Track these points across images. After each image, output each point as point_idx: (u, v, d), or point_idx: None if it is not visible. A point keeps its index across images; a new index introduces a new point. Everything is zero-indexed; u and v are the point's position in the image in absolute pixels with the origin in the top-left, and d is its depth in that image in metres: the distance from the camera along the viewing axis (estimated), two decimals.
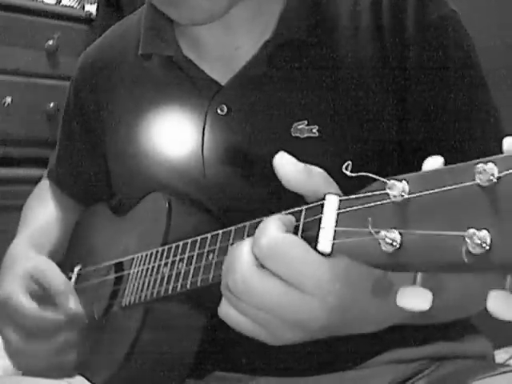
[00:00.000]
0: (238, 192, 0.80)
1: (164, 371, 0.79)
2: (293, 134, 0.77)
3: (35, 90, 1.99)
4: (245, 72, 0.79)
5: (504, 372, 0.72)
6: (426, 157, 0.74)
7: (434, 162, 0.47)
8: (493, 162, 0.39)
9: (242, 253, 0.55)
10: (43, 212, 1.01)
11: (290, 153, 0.76)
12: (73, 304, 0.82)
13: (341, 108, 0.76)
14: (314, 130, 0.76)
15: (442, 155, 0.73)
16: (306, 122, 0.76)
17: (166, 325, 0.78)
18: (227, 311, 0.58)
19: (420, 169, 0.74)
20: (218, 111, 0.80)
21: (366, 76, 0.75)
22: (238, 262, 0.55)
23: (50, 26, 2.00)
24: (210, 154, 0.80)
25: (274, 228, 0.54)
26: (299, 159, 0.75)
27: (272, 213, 0.60)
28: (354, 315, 0.59)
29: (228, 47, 0.81)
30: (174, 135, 0.84)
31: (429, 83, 0.74)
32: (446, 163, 0.72)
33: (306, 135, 0.76)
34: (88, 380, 0.83)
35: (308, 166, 0.58)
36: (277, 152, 0.76)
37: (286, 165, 0.57)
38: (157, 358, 0.78)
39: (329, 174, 0.74)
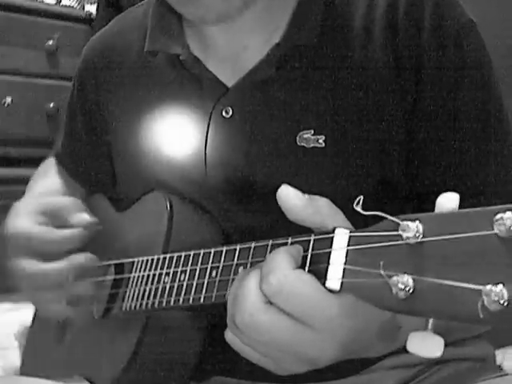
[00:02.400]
0: (239, 196, 0.78)
1: (167, 374, 0.79)
2: (298, 143, 0.75)
3: (35, 89, 1.99)
4: (252, 75, 0.77)
5: (505, 374, 0.71)
6: (436, 171, 0.74)
7: (448, 201, 0.45)
8: (511, 210, 0.38)
9: (250, 288, 0.54)
10: (49, 184, 0.99)
11: (294, 162, 0.75)
12: (86, 215, 0.80)
13: (349, 118, 0.74)
14: (321, 140, 0.74)
15: (454, 170, 0.73)
16: (312, 132, 0.75)
17: (168, 328, 0.77)
18: (234, 339, 0.57)
19: (426, 190, 0.74)
20: (223, 113, 0.78)
21: (377, 85, 0.74)
22: (245, 298, 0.54)
23: (50, 26, 2.00)
24: (212, 156, 0.79)
25: (283, 264, 0.53)
26: (304, 169, 0.75)
27: (271, 228, 0.59)
28: (362, 347, 0.59)
29: (236, 47, 0.79)
30: (177, 135, 0.82)
31: (442, 94, 0.73)
32: (457, 176, 0.73)
33: (311, 145, 0.74)
34: (89, 381, 0.82)
35: (312, 197, 0.57)
36: (281, 160, 0.76)
37: (290, 198, 0.56)
38: (159, 361, 0.78)
39: (332, 185, 0.73)
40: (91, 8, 2.05)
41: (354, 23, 0.75)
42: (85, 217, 0.80)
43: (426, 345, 0.44)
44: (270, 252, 0.59)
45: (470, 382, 0.72)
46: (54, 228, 0.79)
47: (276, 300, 0.53)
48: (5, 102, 1.91)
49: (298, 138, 0.75)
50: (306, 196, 0.56)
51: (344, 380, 0.78)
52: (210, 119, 0.79)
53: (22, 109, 1.96)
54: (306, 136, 0.75)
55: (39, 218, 0.80)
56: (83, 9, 2.07)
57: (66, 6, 2.05)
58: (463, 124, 0.73)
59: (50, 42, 1.98)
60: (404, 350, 0.74)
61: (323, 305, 0.52)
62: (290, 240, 0.58)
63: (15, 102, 1.93)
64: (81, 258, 0.78)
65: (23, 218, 0.80)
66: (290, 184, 0.70)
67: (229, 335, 0.58)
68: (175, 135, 0.82)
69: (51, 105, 1.97)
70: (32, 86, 1.98)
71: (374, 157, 0.74)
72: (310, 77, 0.76)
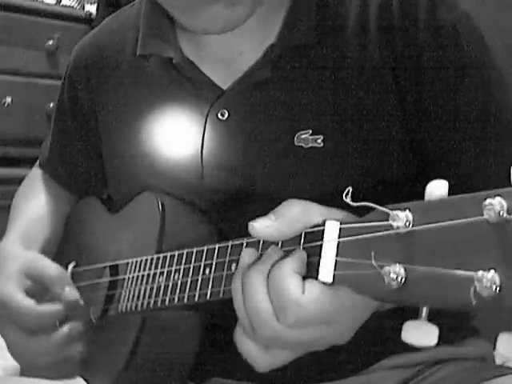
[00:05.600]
0: (237, 198, 0.78)
1: (164, 374, 0.78)
2: (296, 144, 0.74)
3: (35, 90, 1.99)
4: (247, 77, 0.77)
5: (505, 374, 0.71)
6: (436, 170, 0.73)
7: (437, 188, 0.45)
8: (500, 195, 0.38)
9: (262, 305, 0.56)
10: (35, 204, 0.98)
11: (292, 162, 0.75)
12: (69, 291, 0.81)
13: (347, 117, 0.74)
14: (319, 140, 0.74)
15: (455, 170, 0.73)
16: (310, 132, 0.74)
17: (165, 328, 0.77)
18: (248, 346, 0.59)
19: (425, 185, 0.73)
20: (219, 116, 0.78)
21: (375, 84, 0.73)
22: (261, 315, 0.56)
23: (50, 26, 2.00)
24: (209, 159, 0.79)
25: (293, 291, 0.55)
26: (302, 170, 0.74)
27: None
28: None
29: (231, 50, 0.78)
30: (172, 138, 0.82)
31: (443, 93, 0.72)
32: (458, 176, 0.72)
33: (309, 145, 0.74)
34: (87, 382, 0.83)
35: (278, 211, 0.59)
36: (279, 161, 0.75)
37: (261, 231, 0.58)
38: (157, 361, 0.78)
39: (329, 185, 0.73)
40: (91, 8, 2.05)
41: (348, 22, 0.75)
42: (70, 294, 0.81)
43: (421, 334, 0.44)
44: (262, 248, 0.59)
45: (469, 382, 0.72)
46: (37, 305, 0.80)
47: (298, 326, 0.55)
48: (5, 102, 1.91)
49: (295, 138, 0.75)
50: (272, 215, 0.58)
51: (344, 380, 0.78)
52: (205, 122, 0.78)
53: (22, 109, 1.96)
54: (303, 136, 0.74)
55: (25, 282, 0.82)
56: (83, 9, 2.07)
57: (66, 6, 2.05)
58: (464, 123, 0.72)
59: (50, 42, 1.98)
60: (401, 351, 0.75)
61: (340, 309, 0.54)
62: None
63: (15, 102, 1.93)
64: (67, 329, 0.80)
65: (11, 282, 0.81)
66: (288, 184, 0.71)
67: (245, 344, 0.59)
68: (171, 138, 0.82)
69: (51, 105, 1.97)
70: (32, 86, 1.98)
71: (372, 156, 0.73)
72: (307, 77, 0.75)
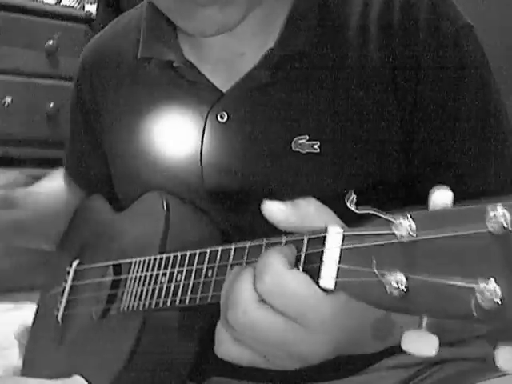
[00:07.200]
0: (236, 200, 0.78)
1: (164, 374, 0.79)
2: (293, 149, 0.75)
3: (35, 90, 1.99)
4: (247, 80, 0.77)
5: (507, 374, 0.71)
6: (436, 171, 0.73)
7: (441, 197, 0.45)
8: (504, 207, 0.38)
9: (244, 286, 0.54)
10: (49, 185, 1.02)
11: (289, 167, 0.75)
12: None
13: (345, 122, 0.74)
14: (316, 146, 0.74)
15: (454, 170, 0.73)
16: (307, 137, 0.74)
17: (165, 328, 0.77)
18: (227, 348, 0.57)
19: (425, 192, 0.73)
20: (218, 118, 0.78)
21: (374, 89, 0.73)
22: (239, 296, 0.54)
23: (50, 26, 2.00)
24: (208, 161, 0.79)
25: (277, 264, 0.53)
26: (299, 174, 0.74)
27: (270, 229, 0.59)
28: (356, 345, 0.59)
29: (232, 52, 0.79)
30: (171, 139, 0.83)
31: (442, 94, 0.72)
32: (457, 177, 0.72)
33: (306, 151, 0.74)
34: (88, 382, 0.82)
35: (297, 202, 0.57)
36: (276, 165, 0.75)
37: (274, 213, 0.57)
38: (157, 361, 0.78)
39: (327, 191, 0.73)
40: (91, 8, 2.04)
41: (349, 26, 0.75)
42: None
43: (421, 344, 0.43)
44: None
45: (469, 382, 0.72)
46: None
47: (270, 299, 0.53)
48: (5, 102, 1.91)
49: (293, 143, 0.75)
50: (289, 204, 0.57)
51: (344, 380, 0.78)
52: (205, 124, 0.79)
53: (22, 109, 1.96)
54: (301, 141, 0.74)
55: None
56: (83, 9, 2.06)
57: (66, 6, 2.05)
58: (463, 124, 0.73)
59: (50, 42, 1.97)
60: (402, 351, 0.75)
61: (317, 305, 0.52)
62: (284, 239, 0.58)
63: (15, 102, 1.93)
64: None
65: None
66: (286, 188, 0.71)
67: (221, 348, 0.57)
68: (171, 140, 0.83)
69: (51, 105, 1.97)
70: (32, 86, 1.98)
71: (370, 161, 0.74)
72: (306, 81, 0.75)
